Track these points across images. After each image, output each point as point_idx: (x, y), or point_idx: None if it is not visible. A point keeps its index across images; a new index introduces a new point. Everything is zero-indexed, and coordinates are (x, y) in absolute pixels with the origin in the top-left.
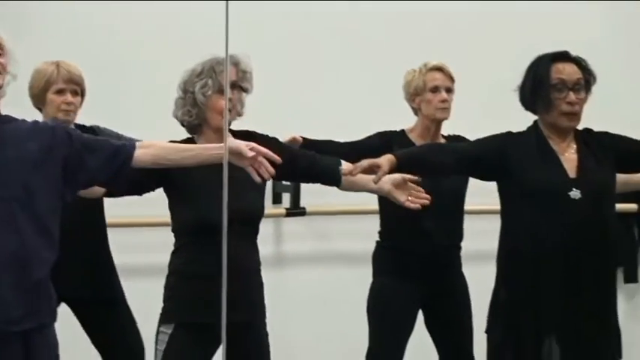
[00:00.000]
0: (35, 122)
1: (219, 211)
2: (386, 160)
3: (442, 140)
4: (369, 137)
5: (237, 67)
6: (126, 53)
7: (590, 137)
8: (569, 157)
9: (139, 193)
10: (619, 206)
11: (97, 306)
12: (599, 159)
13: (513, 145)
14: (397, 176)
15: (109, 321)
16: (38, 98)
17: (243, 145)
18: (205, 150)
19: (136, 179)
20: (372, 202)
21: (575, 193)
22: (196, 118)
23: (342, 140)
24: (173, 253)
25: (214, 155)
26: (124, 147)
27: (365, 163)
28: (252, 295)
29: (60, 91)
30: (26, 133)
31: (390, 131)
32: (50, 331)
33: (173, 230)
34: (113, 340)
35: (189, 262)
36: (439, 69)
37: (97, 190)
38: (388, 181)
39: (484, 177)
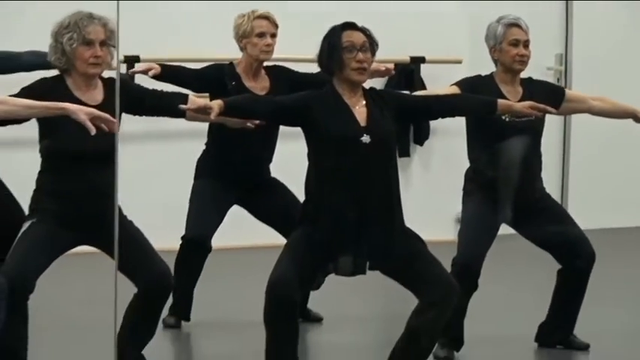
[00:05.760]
0: None
1: None
2: (217, 104)
3: (263, 73)
4: (208, 67)
5: (105, 28)
6: None
7: (375, 94)
8: (359, 110)
9: None
10: None
11: None
12: (383, 111)
13: (316, 101)
14: None
15: None
16: None
17: (80, 112)
18: (47, 109)
19: None
20: None
21: (365, 138)
22: (65, 64)
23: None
24: None
25: (52, 112)
26: None
27: (201, 104)
28: None
29: None
30: None
31: (223, 64)
32: None
33: None
34: None
35: None
36: (266, 17)
37: None
38: None
39: (293, 125)
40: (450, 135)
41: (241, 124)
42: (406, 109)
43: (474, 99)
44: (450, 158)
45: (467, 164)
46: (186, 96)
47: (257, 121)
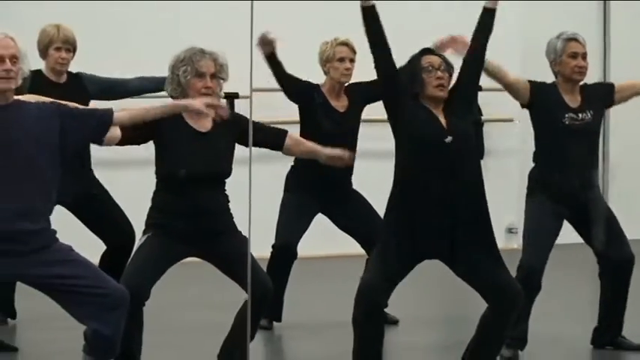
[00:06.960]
0: (38, 106)
1: None
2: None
3: (343, 95)
4: (303, 82)
5: (215, 62)
6: None
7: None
8: (440, 117)
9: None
10: None
11: None
12: (459, 116)
13: (407, 101)
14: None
15: None
16: (42, 52)
17: (194, 102)
18: (164, 109)
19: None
20: None
21: (448, 139)
22: (180, 94)
23: None
24: None
25: (169, 111)
26: (104, 115)
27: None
28: None
29: (58, 49)
30: (34, 115)
31: (314, 84)
32: None
33: None
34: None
35: None
36: (345, 44)
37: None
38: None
39: (391, 101)
40: (501, 155)
41: (334, 162)
42: (463, 82)
43: None
44: (501, 176)
45: (514, 182)
46: (285, 132)
47: (348, 160)
